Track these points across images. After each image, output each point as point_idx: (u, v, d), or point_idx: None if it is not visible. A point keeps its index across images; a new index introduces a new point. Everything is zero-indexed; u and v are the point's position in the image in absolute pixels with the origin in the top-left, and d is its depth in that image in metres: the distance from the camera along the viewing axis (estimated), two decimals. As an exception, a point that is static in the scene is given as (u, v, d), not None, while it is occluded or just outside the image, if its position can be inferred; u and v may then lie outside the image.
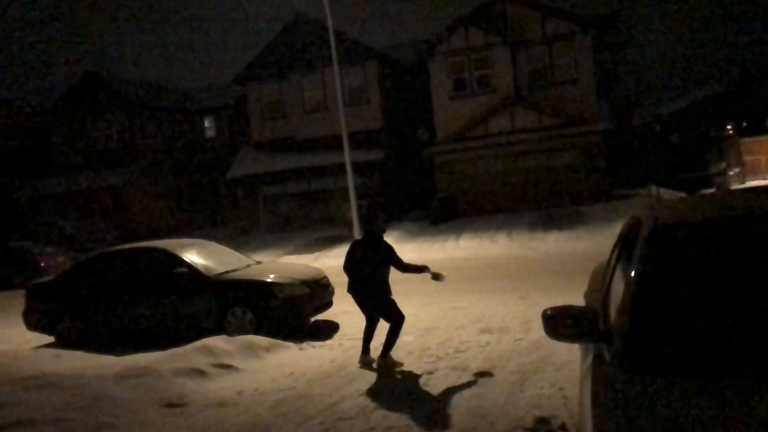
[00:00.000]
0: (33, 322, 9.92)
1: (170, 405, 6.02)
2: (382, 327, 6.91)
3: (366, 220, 7.12)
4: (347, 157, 19.14)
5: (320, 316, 9.37)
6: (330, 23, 18.91)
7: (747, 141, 28.42)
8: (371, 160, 23.45)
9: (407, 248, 17.00)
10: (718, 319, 2.41)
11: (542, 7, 22.92)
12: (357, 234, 17.48)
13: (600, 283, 3.97)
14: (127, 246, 10.73)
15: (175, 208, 30.67)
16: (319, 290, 9.10)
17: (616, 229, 4.67)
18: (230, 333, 8.30)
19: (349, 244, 7.67)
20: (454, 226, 20.53)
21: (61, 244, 25.77)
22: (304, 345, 8.07)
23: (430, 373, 6.38)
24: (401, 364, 6.72)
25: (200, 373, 6.80)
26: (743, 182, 25.70)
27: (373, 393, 5.95)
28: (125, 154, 29.82)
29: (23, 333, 10.22)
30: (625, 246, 3.41)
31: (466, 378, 6.08)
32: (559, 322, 2.76)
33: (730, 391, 2.08)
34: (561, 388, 5.45)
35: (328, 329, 9.03)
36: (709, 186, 23.46)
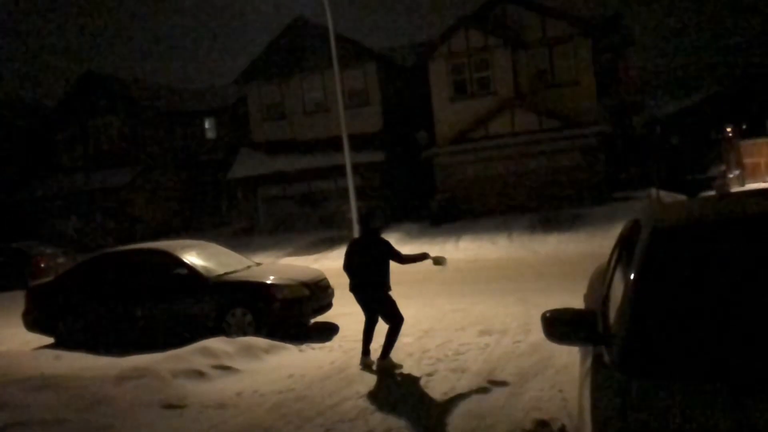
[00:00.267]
0: (33, 323, 9.91)
1: (170, 406, 6.02)
2: (381, 329, 6.91)
3: (363, 218, 7.14)
4: (347, 158, 19.13)
5: (320, 318, 9.36)
6: (330, 25, 18.91)
7: (747, 143, 28.43)
8: (371, 162, 23.44)
9: (407, 249, 16.77)
10: (717, 322, 2.41)
11: (542, 9, 22.92)
12: (357, 235, 17.47)
13: (599, 285, 3.97)
14: (127, 247, 10.73)
15: (176, 209, 30.67)
16: (318, 292, 9.11)
17: (616, 231, 4.68)
18: (230, 334, 8.30)
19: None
20: (454, 227, 20.52)
21: (62, 244, 25.75)
22: (303, 347, 8.07)
23: (429, 375, 6.38)
24: (401, 366, 6.73)
25: (200, 374, 6.80)
26: (743, 185, 25.71)
27: (372, 395, 5.95)
28: (126, 155, 29.82)
29: (23, 334, 10.21)
30: (624, 248, 3.41)
31: (465, 380, 6.08)
32: (559, 325, 2.77)
33: (730, 394, 2.08)
34: (560, 391, 5.45)
35: (328, 331, 9.02)
36: (709, 188, 23.47)
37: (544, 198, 21.82)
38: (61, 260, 20.69)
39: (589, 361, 2.82)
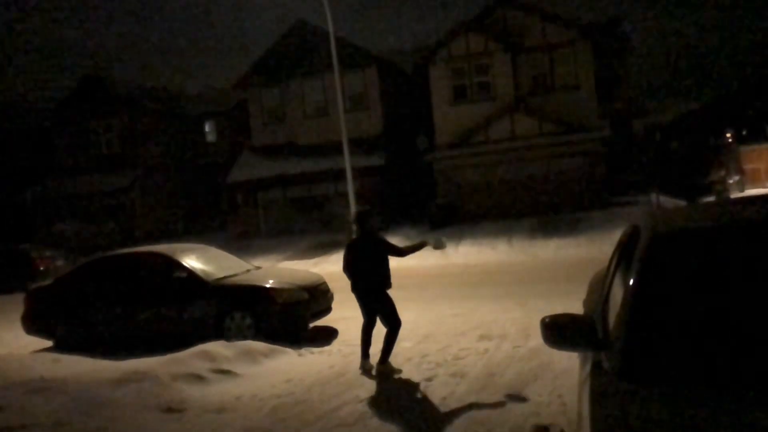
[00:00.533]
0: (32, 326, 9.91)
1: (169, 410, 6.01)
2: (379, 334, 6.90)
3: (358, 219, 7.15)
4: (347, 162, 19.16)
5: (319, 322, 9.35)
6: (331, 29, 18.95)
7: (746, 149, 28.43)
8: (371, 166, 23.46)
9: (407, 254, 16.97)
10: (716, 328, 2.41)
11: (543, 13, 22.97)
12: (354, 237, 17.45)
13: (599, 290, 3.97)
14: (126, 250, 10.72)
15: (175, 212, 30.68)
16: (318, 296, 9.10)
17: (616, 236, 4.68)
18: (229, 338, 8.30)
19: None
20: (453, 231, 20.52)
21: (62, 247, 25.74)
22: (303, 351, 8.06)
23: (428, 379, 6.37)
24: (400, 371, 6.72)
25: (199, 378, 6.79)
26: (743, 190, 25.70)
27: (371, 400, 5.94)
28: (126, 157, 29.85)
29: (22, 337, 10.20)
30: (624, 254, 3.41)
31: (465, 385, 6.08)
32: (558, 330, 2.76)
33: (729, 400, 2.08)
34: (560, 396, 5.45)
35: (327, 335, 9.01)
36: (709, 194, 23.46)
37: (544, 203, 21.83)
38: (60, 263, 20.69)
39: (588, 367, 2.82)
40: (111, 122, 30.30)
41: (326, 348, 8.25)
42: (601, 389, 2.39)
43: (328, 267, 15.67)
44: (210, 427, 5.60)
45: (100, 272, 9.73)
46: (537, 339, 6.61)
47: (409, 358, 7.21)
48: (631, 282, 2.67)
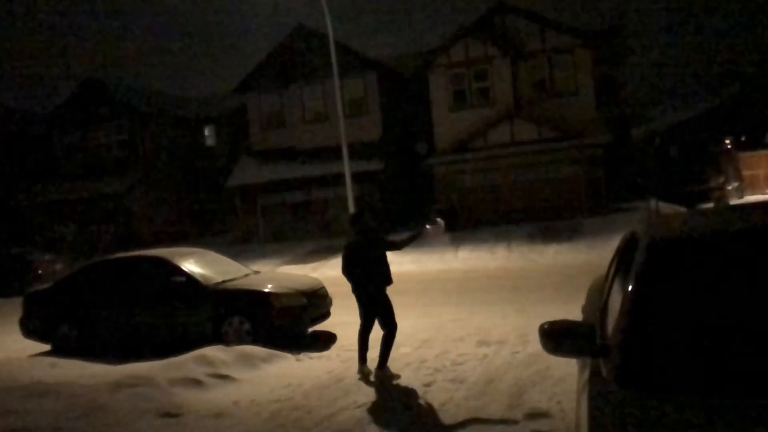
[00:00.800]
0: (30, 330, 9.89)
1: (166, 415, 6.00)
2: (377, 338, 6.89)
3: (352, 220, 7.16)
4: (347, 167, 19.17)
5: (318, 327, 9.35)
6: (330, 34, 18.99)
7: (746, 155, 28.46)
8: (371, 171, 23.47)
9: (405, 260, 16.97)
10: (715, 335, 2.41)
11: (542, 20, 23.03)
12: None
13: (598, 297, 3.97)
14: (125, 254, 10.72)
15: (175, 217, 30.66)
16: (317, 300, 9.09)
17: (615, 242, 4.68)
18: (227, 343, 8.28)
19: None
20: (452, 237, 20.51)
21: (61, 251, 25.72)
22: (301, 356, 8.05)
23: (427, 385, 6.36)
24: (399, 376, 6.71)
25: (197, 383, 6.78)
26: (742, 197, 25.72)
27: (370, 405, 5.93)
28: (125, 161, 29.85)
29: (20, 341, 10.18)
30: (622, 260, 3.42)
31: (463, 391, 6.07)
32: (556, 337, 2.76)
33: (727, 407, 2.08)
34: (558, 402, 5.44)
35: (326, 340, 9.01)
36: (708, 200, 23.48)
37: (543, 208, 21.83)
38: (58, 267, 20.67)
39: (586, 374, 2.82)
40: (110, 126, 30.29)
41: (325, 353, 8.24)
42: (600, 396, 2.39)
43: (327, 272, 15.66)
44: (208, 432, 5.59)
45: (98, 276, 9.72)
46: (536, 345, 6.60)
47: (407, 363, 7.20)
48: (629, 289, 2.67)
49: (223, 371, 7.10)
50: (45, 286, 10.78)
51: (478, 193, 22.74)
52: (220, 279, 9.13)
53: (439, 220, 6.94)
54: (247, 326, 8.54)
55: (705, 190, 24.56)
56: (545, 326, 2.80)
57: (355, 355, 7.16)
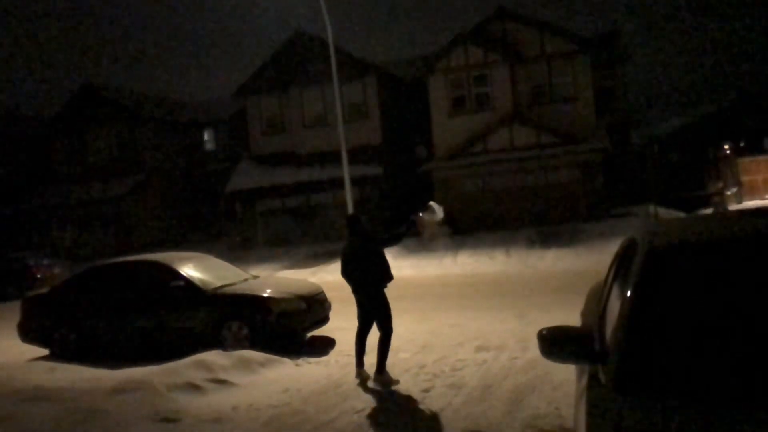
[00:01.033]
0: (28, 334, 9.87)
1: (164, 420, 5.99)
2: (374, 342, 6.88)
3: (348, 223, 7.19)
4: (346, 171, 19.17)
5: (317, 332, 9.33)
6: (330, 39, 19.02)
7: (745, 161, 28.52)
8: (370, 175, 23.49)
9: (405, 264, 16.99)
10: (713, 341, 2.41)
11: (541, 25, 23.09)
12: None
13: (596, 302, 3.97)
14: (123, 259, 10.70)
15: (173, 221, 30.65)
16: (315, 305, 9.08)
17: (614, 247, 4.68)
18: (226, 347, 8.27)
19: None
20: (451, 242, 20.52)
21: (60, 255, 25.71)
22: (300, 361, 8.04)
23: (426, 390, 6.35)
24: (397, 382, 6.70)
25: (195, 388, 6.77)
26: (740, 202, 25.75)
27: (368, 410, 5.92)
28: (124, 166, 29.85)
29: (18, 345, 10.16)
30: (621, 266, 3.41)
31: (462, 396, 6.06)
32: (555, 343, 2.76)
33: (725, 414, 2.08)
34: (557, 408, 5.44)
35: (325, 345, 8.99)
36: (707, 205, 23.51)
37: (542, 214, 21.84)
38: (57, 271, 20.65)
39: (585, 379, 2.82)
40: (109, 130, 30.31)
41: (323, 358, 8.22)
42: (598, 402, 2.39)
43: (326, 276, 15.66)
44: (206, 437, 5.57)
45: (97, 281, 9.71)
46: (534, 350, 6.59)
47: (406, 368, 7.19)
48: (628, 295, 2.67)
49: (222, 376, 7.09)
50: (43, 290, 10.76)
51: (477, 197, 22.75)
52: (219, 284, 9.12)
53: (433, 204, 6.83)
54: (245, 331, 8.52)
55: (704, 195, 24.60)
56: (544, 332, 2.80)
57: (354, 360, 7.16)
